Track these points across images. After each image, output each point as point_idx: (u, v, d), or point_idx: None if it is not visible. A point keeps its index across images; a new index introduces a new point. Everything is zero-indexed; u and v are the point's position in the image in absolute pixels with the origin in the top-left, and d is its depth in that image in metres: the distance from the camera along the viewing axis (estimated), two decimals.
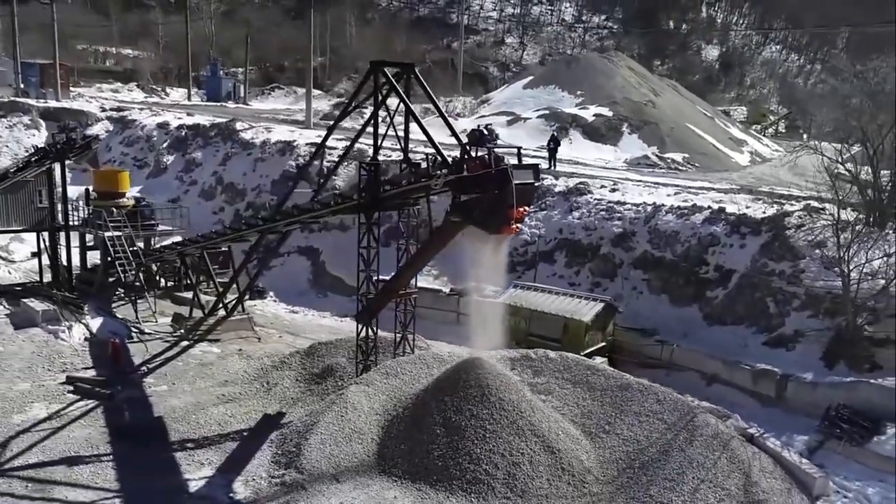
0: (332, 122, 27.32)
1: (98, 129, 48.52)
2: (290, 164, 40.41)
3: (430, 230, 21.45)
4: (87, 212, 32.24)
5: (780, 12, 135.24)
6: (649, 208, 32.10)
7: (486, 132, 19.55)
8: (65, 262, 32.06)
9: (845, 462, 20.85)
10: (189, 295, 32.67)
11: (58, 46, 56.46)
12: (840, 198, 27.26)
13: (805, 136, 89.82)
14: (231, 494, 18.06)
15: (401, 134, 23.10)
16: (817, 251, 27.10)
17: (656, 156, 49.24)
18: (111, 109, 50.76)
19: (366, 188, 21.86)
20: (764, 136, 75.48)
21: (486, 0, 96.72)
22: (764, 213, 30.55)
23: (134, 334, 27.67)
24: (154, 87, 66.64)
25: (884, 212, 28.72)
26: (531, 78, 63.60)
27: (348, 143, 25.99)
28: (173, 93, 67.23)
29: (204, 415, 21.80)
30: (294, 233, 29.56)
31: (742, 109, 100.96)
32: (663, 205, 32.05)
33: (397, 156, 29.85)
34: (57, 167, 31.24)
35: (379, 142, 22.60)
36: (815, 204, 30.37)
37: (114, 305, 30.76)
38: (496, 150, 18.82)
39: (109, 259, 30.12)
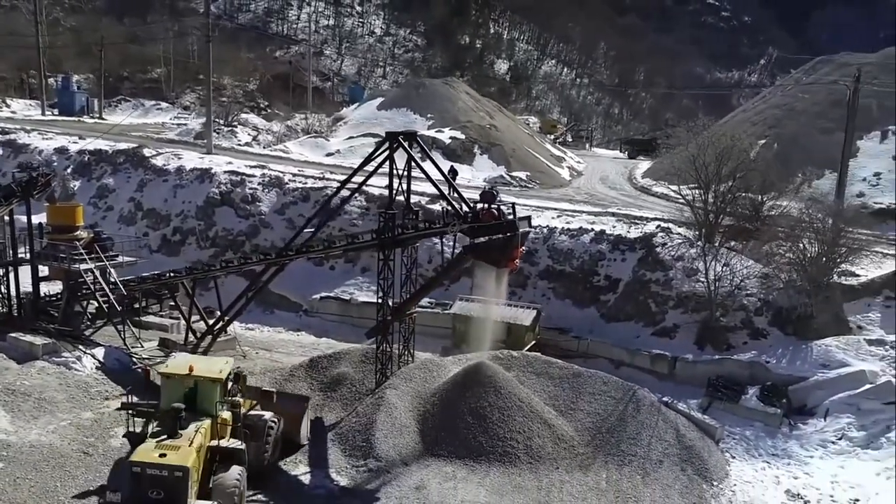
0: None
1: None
2: (213, 190, 43.17)
3: (443, 263, 27.35)
4: (41, 245, 33.42)
5: (553, 31, 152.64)
6: (545, 230, 40.08)
7: (495, 192, 26.46)
8: (26, 296, 33.16)
9: (727, 415, 29.93)
10: (150, 320, 35.48)
11: None
12: (704, 220, 37.08)
13: (588, 145, 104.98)
14: (335, 483, 23.00)
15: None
16: (679, 263, 36.57)
17: (508, 175, 57.74)
18: None
19: (383, 230, 27.30)
20: (556, 144, 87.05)
21: (302, 11, 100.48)
22: (628, 232, 39.76)
23: (136, 360, 30.31)
24: None
25: (711, 230, 39.09)
26: (382, 99, 69.65)
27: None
28: (14, 104, 63.85)
29: None
30: None
31: (533, 119, 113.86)
32: (556, 227, 40.19)
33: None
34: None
35: (394, 194, 28.05)
36: (662, 224, 40.14)
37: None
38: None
39: (84, 291, 31.98)
